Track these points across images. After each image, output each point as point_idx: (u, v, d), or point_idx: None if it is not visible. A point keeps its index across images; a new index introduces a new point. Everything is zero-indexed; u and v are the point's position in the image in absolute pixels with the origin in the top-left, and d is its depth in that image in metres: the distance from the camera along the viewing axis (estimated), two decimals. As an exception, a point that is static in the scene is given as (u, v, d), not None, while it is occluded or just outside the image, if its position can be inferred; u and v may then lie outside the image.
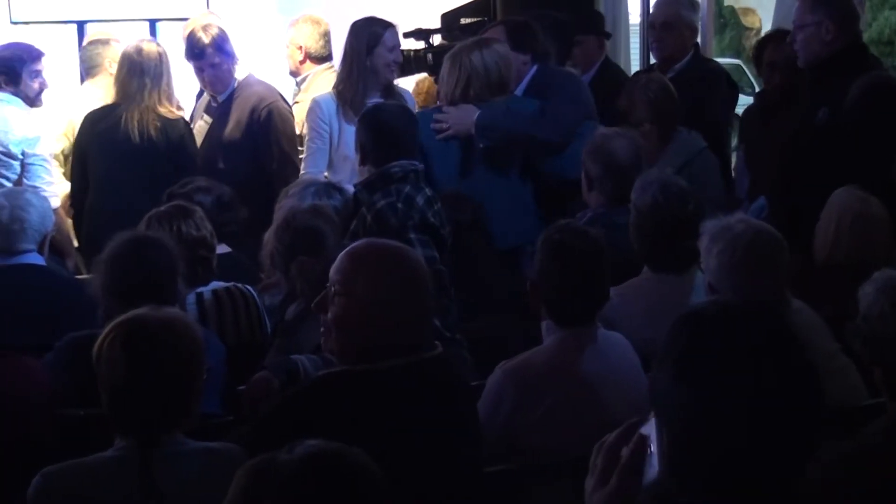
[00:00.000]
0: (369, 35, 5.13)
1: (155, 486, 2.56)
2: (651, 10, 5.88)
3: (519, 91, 5.03)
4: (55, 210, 5.32)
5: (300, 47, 5.88)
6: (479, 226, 4.45)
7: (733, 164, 5.93)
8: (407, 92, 5.65)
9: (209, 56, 5.55)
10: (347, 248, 2.87)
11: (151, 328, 2.63)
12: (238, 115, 5.53)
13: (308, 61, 5.90)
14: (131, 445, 2.60)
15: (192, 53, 5.58)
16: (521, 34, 5.07)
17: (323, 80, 5.69)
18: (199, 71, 5.62)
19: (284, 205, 4.29)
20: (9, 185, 5.34)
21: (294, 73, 6.00)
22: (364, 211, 4.05)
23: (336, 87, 5.20)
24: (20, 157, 5.45)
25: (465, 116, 4.72)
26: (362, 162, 4.23)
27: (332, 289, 2.79)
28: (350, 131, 4.91)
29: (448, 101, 4.79)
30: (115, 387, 2.61)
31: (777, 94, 5.43)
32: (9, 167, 5.45)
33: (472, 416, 2.96)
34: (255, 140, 5.51)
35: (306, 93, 5.74)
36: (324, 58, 5.92)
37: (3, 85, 5.55)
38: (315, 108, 5.21)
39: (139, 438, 2.60)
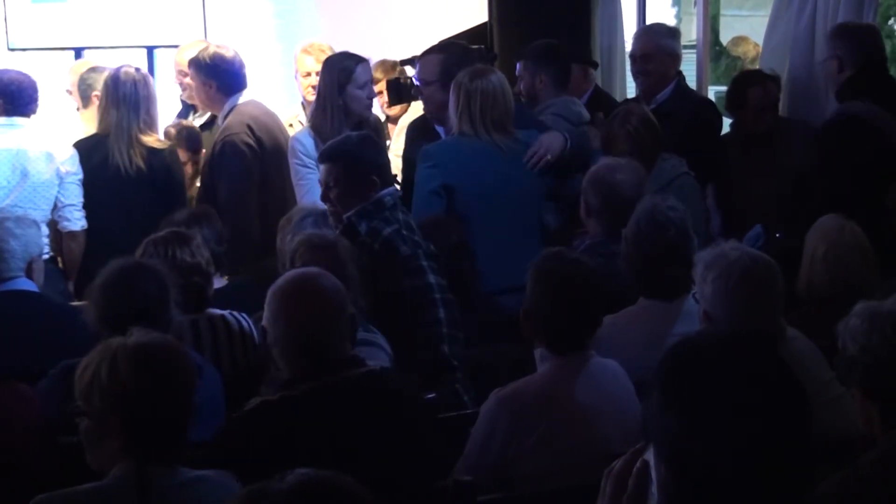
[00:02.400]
0: (340, 72, 5.12)
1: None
2: (631, 42, 5.86)
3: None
4: (76, 232, 5.40)
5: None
6: (465, 247, 4.44)
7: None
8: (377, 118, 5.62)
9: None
10: None
11: (142, 352, 2.61)
12: (211, 144, 5.55)
13: None
14: (127, 475, 2.58)
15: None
16: (457, 67, 5.02)
17: None
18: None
19: (290, 239, 4.30)
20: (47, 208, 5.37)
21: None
22: (366, 239, 4.02)
23: (312, 123, 5.18)
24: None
25: (555, 140, 4.77)
26: (333, 196, 4.14)
27: None
28: None
29: (463, 127, 4.67)
30: (105, 414, 2.59)
31: (764, 130, 5.41)
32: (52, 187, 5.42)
33: (415, 430, 3.00)
34: (212, 172, 5.50)
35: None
36: None
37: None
38: (297, 146, 5.18)
39: (134, 465, 2.58)
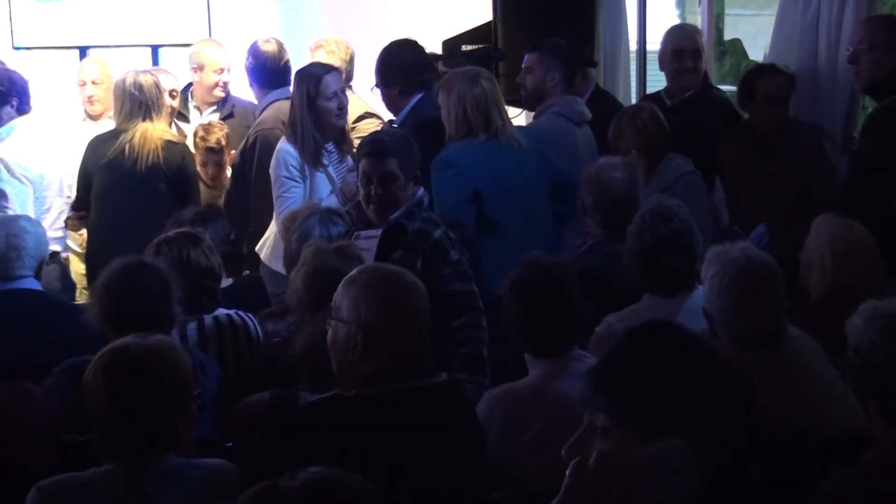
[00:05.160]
0: (308, 84, 5.05)
1: (149, 499, 2.58)
2: (674, 38, 5.81)
3: (399, 118, 5.14)
4: None
5: None
6: (469, 247, 4.44)
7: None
8: None
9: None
10: (347, 276, 2.89)
11: (134, 357, 2.63)
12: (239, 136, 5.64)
13: None
14: (121, 468, 2.61)
15: None
16: (389, 61, 5.11)
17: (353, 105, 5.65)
18: None
19: (295, 239, 4.30)
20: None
21: None
22: (415, 240, 3.94)
23: (291, 138, 5.08)
24: None
25: None
26: (382, 192, 4.00)
27: (331, 314, 2.83)
28: (320, 178, 4.98)
29: (478, 132, 4.64)
30: (101, 415, 2.62)
31: (777, 126, 5.36)
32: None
33: (472, 447, 2.93)
34: (244, 164, 5.55)
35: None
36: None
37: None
38: (289, 159, 5.05)
39: (127, 464, 2.61)
